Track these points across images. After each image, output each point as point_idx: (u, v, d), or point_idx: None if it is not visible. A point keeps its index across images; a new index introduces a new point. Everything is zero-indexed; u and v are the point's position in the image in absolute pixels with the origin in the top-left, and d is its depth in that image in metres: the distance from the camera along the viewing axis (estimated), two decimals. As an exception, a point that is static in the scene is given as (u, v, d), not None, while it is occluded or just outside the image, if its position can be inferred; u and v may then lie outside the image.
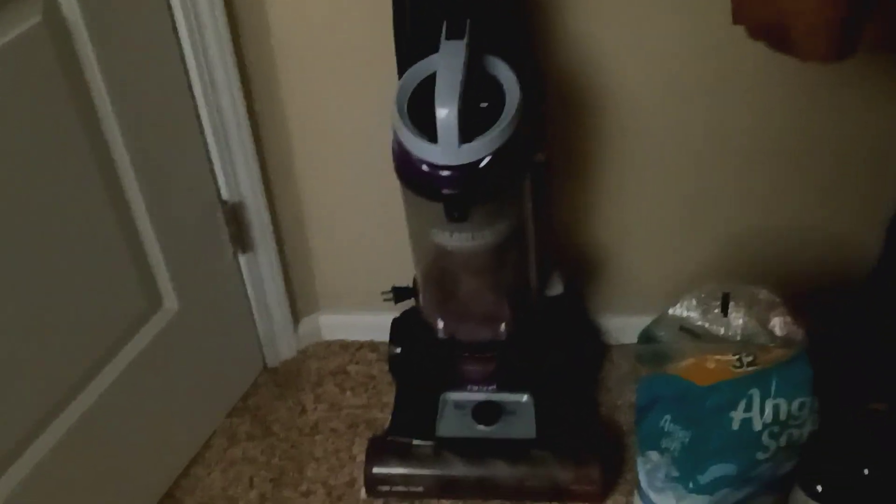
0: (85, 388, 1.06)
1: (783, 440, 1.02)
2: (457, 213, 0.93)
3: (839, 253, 1.27)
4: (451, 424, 1.21)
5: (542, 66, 1.08)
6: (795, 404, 1.01)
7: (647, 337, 1.18)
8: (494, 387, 1.23)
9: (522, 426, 1.20)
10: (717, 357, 1.06)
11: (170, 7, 1.03)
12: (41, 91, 0.91)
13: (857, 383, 1.10)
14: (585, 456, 1.16)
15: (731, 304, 1.12)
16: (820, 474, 1.06)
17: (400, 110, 0.91)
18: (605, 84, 1.12)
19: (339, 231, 1.33)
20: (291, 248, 1.33)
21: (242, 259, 1.28)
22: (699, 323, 1.14)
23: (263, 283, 1.32)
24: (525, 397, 1.23)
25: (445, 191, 0.91)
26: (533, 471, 1.15)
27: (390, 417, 1.26)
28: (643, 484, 1.09)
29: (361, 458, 1.22)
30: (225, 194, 1.20)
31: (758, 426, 1.01)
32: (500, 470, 1.16)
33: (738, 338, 1.11)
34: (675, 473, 1.04)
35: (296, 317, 1.40)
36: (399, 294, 1.21)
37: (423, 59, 0.93)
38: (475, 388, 1.24)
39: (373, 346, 1.42)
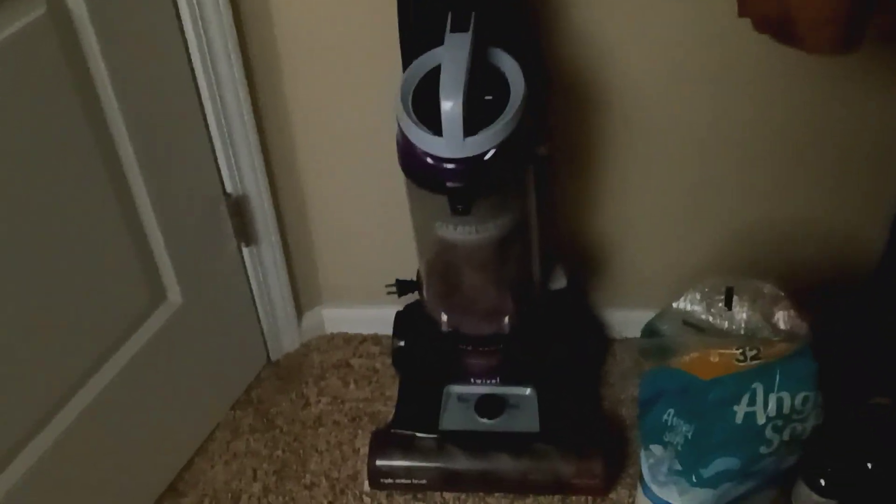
0: (89, 382, 1.07)
1: (786, 434, 1.01)
2: (461, 206, 0.92)
3: (843, 247, 1.27)
4: (454, 418, 1.21)
5: (545, 58, 1.08)
6: (799, 398, 1.01)
7: (650, 331, 1.18)
8: (498, 380, 1.23)
9: (526, 420, 1.20)
10: (721, 351, 1.06)
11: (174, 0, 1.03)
12: (45, 83, 0.90)
13: (860, 378, 1.10)
14: (588, 450, 1.16)
15: (735, 297, 1.12)
16: (823, 468, 1.06)
17: (404, 103, 0.91)
18: (609, 75, 1.12)
19: (342, 224, 1.33)
20: (295, 242, 1.33)
21: (246, 252, 1.28)
22: (703, 317, 1.14)
23: (267, 277, 1.32)
24: (528, 391, 1.23)
25: (450, 183, 0.91)
26: (536, 464, 1.15)
27: (393, 410, 1.26)
28: (646, 478, 1.09)
29: (365, 451, 1.22)
30: (229, 188, 1.20)
31: (761, 420, 1.01)
32: (504, 463, 1.16)
33: (742, 332, 1.11)
34: (679, 467, 1.04)
35: (299, 310, 1.40)
36: (402, 287, 1.21)
37: (427, 51, 0.92)
38: (478, 381, 1.24)
39: (376, 339, 1.42)
